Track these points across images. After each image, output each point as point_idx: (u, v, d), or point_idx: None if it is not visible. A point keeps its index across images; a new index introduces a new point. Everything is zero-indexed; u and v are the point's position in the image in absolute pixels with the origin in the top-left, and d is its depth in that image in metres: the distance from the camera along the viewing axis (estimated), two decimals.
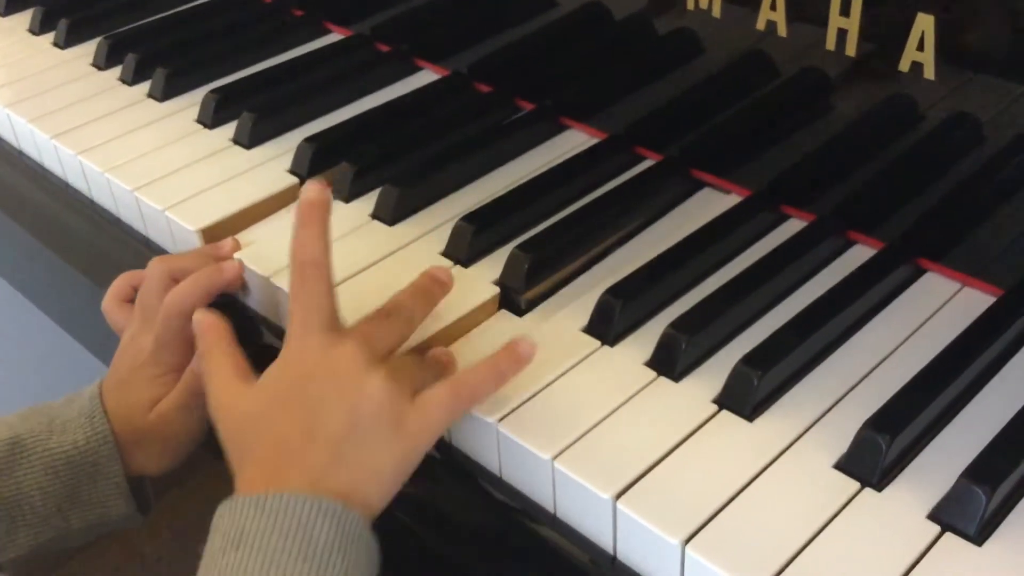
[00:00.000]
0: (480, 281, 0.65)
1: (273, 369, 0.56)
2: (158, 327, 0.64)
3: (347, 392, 0.53)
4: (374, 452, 0.52)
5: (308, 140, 0.78)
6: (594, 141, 0.78)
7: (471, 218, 0.69)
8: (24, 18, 1.04)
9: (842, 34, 0.61)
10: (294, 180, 0.77)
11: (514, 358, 0.56)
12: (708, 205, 0.71)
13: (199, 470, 0.85)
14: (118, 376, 0.65)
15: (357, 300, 0.61)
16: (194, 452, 0.67)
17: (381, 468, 0.53)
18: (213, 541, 0.51)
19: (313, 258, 0.57)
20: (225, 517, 0.51)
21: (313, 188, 0.58)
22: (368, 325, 0.56)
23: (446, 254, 0.68)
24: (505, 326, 0.63)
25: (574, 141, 0.79)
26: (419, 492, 0.60)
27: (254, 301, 0.69)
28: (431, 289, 0.60)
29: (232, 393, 0.56)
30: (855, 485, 0.51)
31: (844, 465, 0.52)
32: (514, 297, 0.64)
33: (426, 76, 0.89)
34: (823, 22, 0.62)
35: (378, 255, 0.68)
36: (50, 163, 0.85)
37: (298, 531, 0.49)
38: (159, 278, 0.66)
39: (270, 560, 0.48)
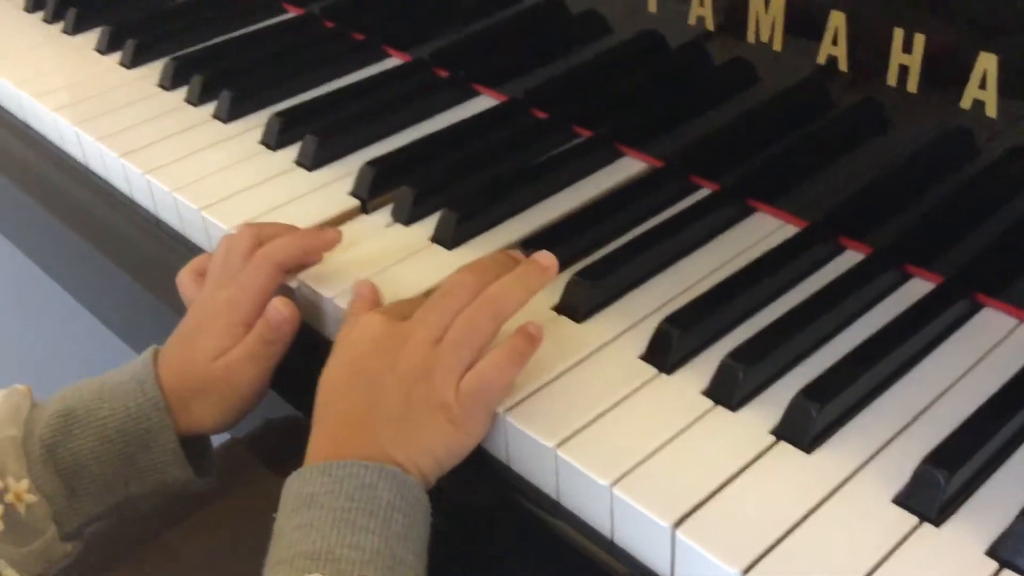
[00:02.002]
0: None
1: (346, 342, 0.60)
2: (246, 274, 0.66)
3: (405, 381, 0.57)
4: (427, 434, 0.57)
5: (369, 163, 0.79)
6: (651, 168, 0.79)
7: (529, 244, 0.70)
8: (91, 37, 1.06)
9: (903, 70, 0.62)
10: (355, 202, 0.78)
11: (527, 339, 0.59)
12: (765, 235, 0.71)
13: (242, 481, 0.86)
14: (184, 332, 0.67)
15: None
16: (241, 456, 0.69)
17: (435, 447, 0.57)
18: (285, 503, 0.55)
19: None
20: (294, 484, 0.55)
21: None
22: (426, 312, 0.60)
23: None
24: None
25: (631, 169, 0.80)
26: (468, 504, 0.61)
27: (323, 324, 0.70)
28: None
29: (331, 359, 0.61)
30: (914, 520, 0.51)
31: (903, 500, 0.52)
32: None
33: (483, 102, 0.90)
34: (885, 58, 0.62)
35: (438, 279, 0.69)
36: (117, 181, 0.88)
37: (362, 492, 0.53)
38: (246, 241, 0.68)
39: (339, 517, 0.52)
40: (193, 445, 0.66)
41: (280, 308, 0.65)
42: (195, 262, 0.71)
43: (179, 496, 0.68)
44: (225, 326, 0.66)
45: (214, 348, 0.65)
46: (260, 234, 0.69)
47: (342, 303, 0.67)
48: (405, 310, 0.61)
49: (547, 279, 0.62)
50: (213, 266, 0.69)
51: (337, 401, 0.59)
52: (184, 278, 0.71)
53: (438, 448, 0.57)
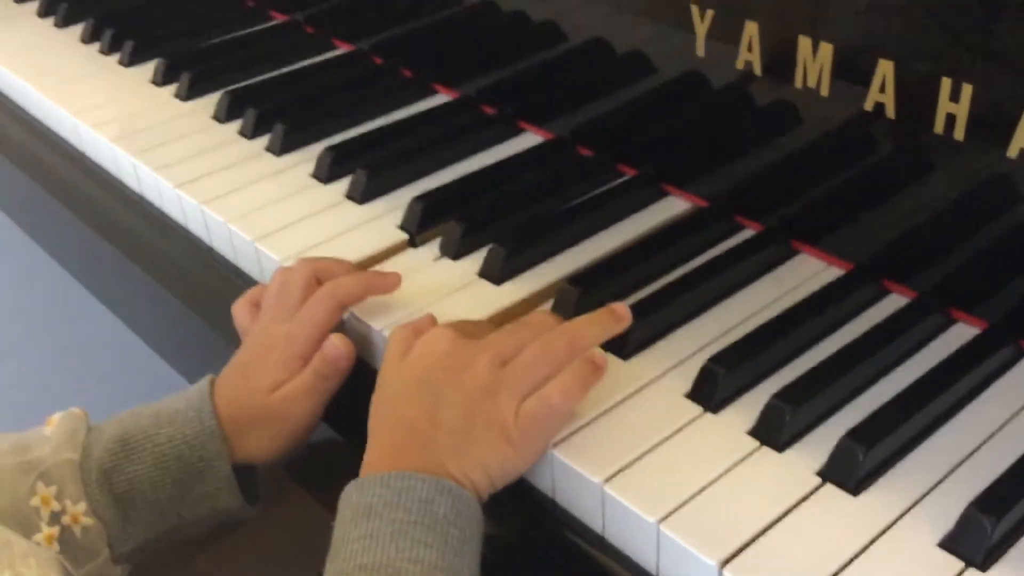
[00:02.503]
0: None
1: (412, 355, 0.61)
2: (306, 309, 0.68)
3: (469, 397, 0.58)
4: (484, 450, 0.58)
5: (418, 198, 0.81)
6: (696, 208, 0.80)
7: (577, 280, 0.71)
8: (147, 69, 1.09)
9: (950, 119, 0.63)
10: (404, 236, 0.80)
11: (593, 368, 0.60)
12: (809, 276, 0.72)
13: (280, 505, 0.87)
14: (240, 363, 0.68)
15: None
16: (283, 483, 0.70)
17: (489, 464, 0.58)
18: (343, 512, 0.56)
19: None
20: (353, 494, 0.56)
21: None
22: (500, 336, 0.61)
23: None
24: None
25: (676, 208, 0.81)
26: (511, 536, 0.62)
27: (372, 356, 0.72)
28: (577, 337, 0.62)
29: (388, 369, 0.62)
30: (959, 565, 0.51)
31: (949, 544, 0.52)
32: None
33: (529, 139, 0.92)
34: (932, 107, 0.63)
35: (485, 313, 0.71)
36: (172, 211, 0.90)
37: (419, 506, 0.54)
38: (304, 276, 0.69)
39: (398, 530, 0.54)
40: (242, 473, 0.67)
41: (337, 344, 0.66)
42: (250, 293, 0.73)
43: (227, 523, 0.69)
44: (282, 359, 0.67)
45: (271, 381, 0.67)
46: (316, 269, 0.70)
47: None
48: (470, 329, 0.63)
49: (621, 327, 0.64)
50: (267, 298, 0.70)
51: (396, 410, 0.60)
52: (239, 309, 0.72)
53: (492, 465, 0.58)
